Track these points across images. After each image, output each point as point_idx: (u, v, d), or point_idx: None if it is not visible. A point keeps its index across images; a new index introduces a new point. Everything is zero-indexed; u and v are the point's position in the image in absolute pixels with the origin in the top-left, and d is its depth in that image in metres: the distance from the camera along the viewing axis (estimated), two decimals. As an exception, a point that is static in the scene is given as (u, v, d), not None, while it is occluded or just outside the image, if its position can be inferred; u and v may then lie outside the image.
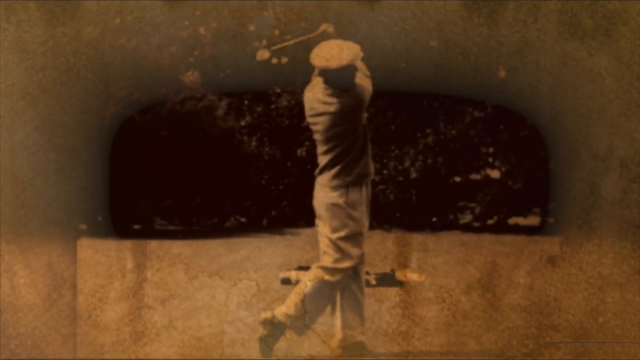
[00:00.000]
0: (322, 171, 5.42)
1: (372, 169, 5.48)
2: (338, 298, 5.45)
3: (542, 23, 5.56)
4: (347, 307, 5.44)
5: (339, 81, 5.33)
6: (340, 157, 5.36)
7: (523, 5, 5.59)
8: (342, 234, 5.35)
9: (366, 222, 5.46)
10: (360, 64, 5.44)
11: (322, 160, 5.43)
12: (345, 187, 5.36)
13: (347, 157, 5.35)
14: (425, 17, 5.75)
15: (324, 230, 5.40)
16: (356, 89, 5.35)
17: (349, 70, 5.32)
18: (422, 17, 5.76)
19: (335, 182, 5.37)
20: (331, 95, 5.34)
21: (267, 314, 5.36)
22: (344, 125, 5.33)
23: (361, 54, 5.35)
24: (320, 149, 5.44)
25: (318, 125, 5.40)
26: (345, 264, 5.35)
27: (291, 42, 5.65)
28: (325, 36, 5.52)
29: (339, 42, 5.37)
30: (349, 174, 5.37)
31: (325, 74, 5.33)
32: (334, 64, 5.27)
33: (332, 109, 5.33)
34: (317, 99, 5.40)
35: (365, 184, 5.46)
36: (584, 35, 5.49)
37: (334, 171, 5.37)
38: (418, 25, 5.79)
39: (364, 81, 5.41)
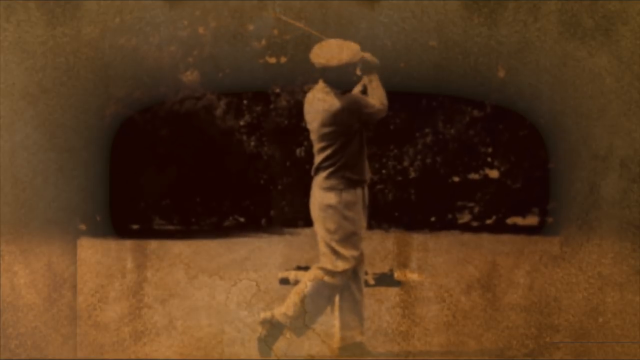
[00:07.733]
0: (316, 171, 5.47)
1: (368, 175, 5.50)
2: (337, 298, 5.46)
3: (542, 23, 5.56)
4: (345, 307, 5.45)
5: (338, 80, 5.40)
6: (332, 158, 5.39)
7: (523, 5, 5.59)
8: (336, 236, 5.36)
9: (363, 223, 5.46)
10: (369, 56, 5.49)
11: (317, 159, 5.48)
12: (339, 189, 5.38)
13: (340, 159, 5.38)
14: (425, 17, 5.75)
15: (319, 232, 5.42)
16: (352, 95, 5.43)
17: (348, 69, 5.38)
18: (422, 17, 5.76)
19: (329, 184, 5.39)
20: (327, 94, 5.41)
21: (267, 314, 5.37)
22: (334, 126, 5.38)
23: (361, 54, 5.41)
24: (315, 147, 5.50)
25: (312, 123, 5.48)
26: (342, 266, 5.35)
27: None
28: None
29: (338, 41, 5.43)
30: (341, 177, 5.39)
31: (325, 72, 5.40)
32: (333, 62, 5.34)
33: (325, 107, 5.39)
34: (315, 97, 5.48)
35: (361, 187, 5.48)
36: (584, 35, 5.49)
37: (327, 173, 5.41)
38: (418, 25, 5.80)
39: (364, 96, 5.49)
